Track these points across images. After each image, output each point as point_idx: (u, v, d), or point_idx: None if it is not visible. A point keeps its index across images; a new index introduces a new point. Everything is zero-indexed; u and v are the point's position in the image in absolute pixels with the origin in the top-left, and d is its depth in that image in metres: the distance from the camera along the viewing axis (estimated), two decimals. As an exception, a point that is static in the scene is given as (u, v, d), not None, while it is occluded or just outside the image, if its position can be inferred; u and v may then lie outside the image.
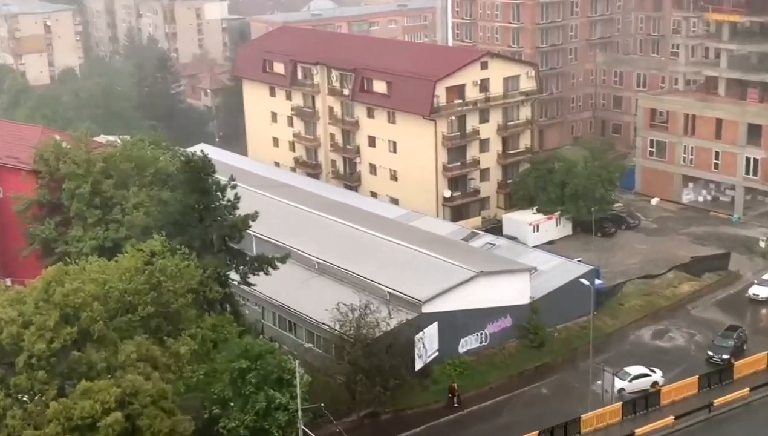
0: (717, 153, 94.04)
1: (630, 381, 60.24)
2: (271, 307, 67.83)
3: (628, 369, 61.28)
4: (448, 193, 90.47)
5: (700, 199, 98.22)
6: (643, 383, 60.97)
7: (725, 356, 64.13)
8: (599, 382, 60.53)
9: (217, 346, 53.29)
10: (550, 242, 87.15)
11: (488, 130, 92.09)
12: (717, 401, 57.87)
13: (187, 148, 77.03)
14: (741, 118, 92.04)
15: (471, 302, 63.92)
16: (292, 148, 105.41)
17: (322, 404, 52.05)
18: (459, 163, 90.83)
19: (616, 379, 59.69)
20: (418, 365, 61.13)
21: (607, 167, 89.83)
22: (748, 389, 59.16)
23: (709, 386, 60.52)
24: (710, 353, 65.08)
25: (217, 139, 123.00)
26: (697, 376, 60.78)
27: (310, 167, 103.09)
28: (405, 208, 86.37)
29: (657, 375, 61.80)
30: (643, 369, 61.83)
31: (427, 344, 61.47)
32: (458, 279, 63.90)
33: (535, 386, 63.37)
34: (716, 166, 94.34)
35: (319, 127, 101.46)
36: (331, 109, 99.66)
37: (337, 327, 59.24)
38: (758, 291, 74.78)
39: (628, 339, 69.69)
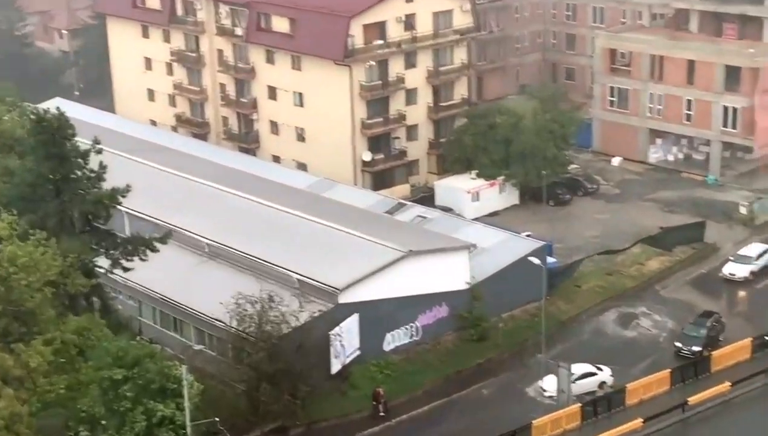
0: (689, 102, 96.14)
1: (573, 382, 61.29)
2: (150, 301, 67.20)
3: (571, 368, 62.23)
4: (367, 156, 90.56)
5: (670, 157, 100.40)
6: (589, 384, 62.17)
7: (696, 348, 65.80)
8: (539, 383, 61.82)
9: (84, 352, 52.54)
10: (492, 214, 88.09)
11: (416, 78, 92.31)
12: (692, 399, 59.57)
13: (38, 105, 75.32)
14: (717, 58, 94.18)
15: (399, 289, 64.30)
16: (173, 102, 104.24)
17: (217, 419, 51.85)
18: (381, 119, 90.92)
19: (557, 380, 61.13)
20: (335, 367, 61.37)
21: (559, 121, 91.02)
22: (728, 383, 60.98)
23: (683, 382, 62.26)
24: (678, 345, 66.73)
25: (76, 93, 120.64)
26: (669, 370, 62.46)
27: (196, 126, 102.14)
28: (315, 176, 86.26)
29: (605, 374, 63.15)
30: (588, 367, 62.93)
31: (346, 341, 61.71)
32: (382, 261, 64.20)
33: (477, 387, 64.21)
34: (688, 117, 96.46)
35: (206, 76, 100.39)
36: (220, 53, 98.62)
37: (235, 324, 59.00)
38: (734, 269, 76.68)
39: (586, 328, 71.15)
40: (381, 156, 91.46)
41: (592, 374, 62.72)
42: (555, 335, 68.27)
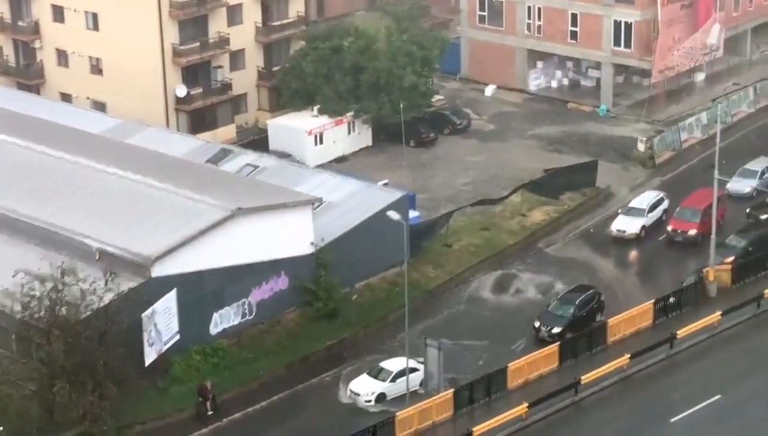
0: (574, 16, 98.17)
1: (392, 381, 61.94)
2: None
3: (386, 364, 62.73)
4: (182, 91, 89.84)
5: (554, 84, 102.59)
6: (411, 382, 61.40)
7: (556, 330, 66.75)
8: (350, 385, 62.32)
9: None
10: (340, 159, 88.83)
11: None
12: (585, 378, 61.26)
13: None
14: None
15: (226, 257, 64.31)
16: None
17: (1, 428, 51.03)
18: (197, 44, 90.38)
19: (373, 381, 62.09)
20: (150, 356, 61.20)
21: (420, 42, 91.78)
22: (628, 356, 63.02)
23: (575, 357, 64.05)
24: (537, 324, 67.80)
25: None
26: (557, 344, 64.15)
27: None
28: (117, 118, 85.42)
29: None
30: (403, 363, 61.83)
31: (162, 324, 61.52)
32: (204, 223, 63.99)
33: (328, 375, 64.87)
34: (574, 35, 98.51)
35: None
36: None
37: (19, 309, 58.01)
38: (624, 225, 78.31)
39: (459, 296, 72.50)
40: (199, 90, 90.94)
41: (415, 370, 62.05)
42: (421, 307, 69.33)
